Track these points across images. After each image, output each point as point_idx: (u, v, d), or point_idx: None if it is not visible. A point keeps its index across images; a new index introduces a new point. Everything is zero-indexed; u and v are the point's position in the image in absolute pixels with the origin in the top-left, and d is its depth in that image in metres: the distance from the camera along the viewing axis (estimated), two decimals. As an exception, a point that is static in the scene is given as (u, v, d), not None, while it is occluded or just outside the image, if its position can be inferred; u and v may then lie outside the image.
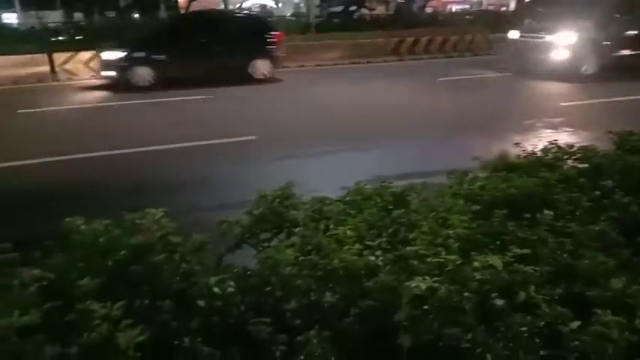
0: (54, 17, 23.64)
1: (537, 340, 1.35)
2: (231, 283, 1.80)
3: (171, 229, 2.04)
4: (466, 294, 1.40)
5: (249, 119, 8.47)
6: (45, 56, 12.73)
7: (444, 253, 1.74)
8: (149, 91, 10.84)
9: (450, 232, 1.93)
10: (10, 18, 26.61)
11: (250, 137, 7.19)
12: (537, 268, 1.62)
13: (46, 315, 1.48)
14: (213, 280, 1.75)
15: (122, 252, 1.87)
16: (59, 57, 12.90)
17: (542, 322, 1.41)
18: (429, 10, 29.45)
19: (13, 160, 6.21)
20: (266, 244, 2.25)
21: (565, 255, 1.82)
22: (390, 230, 2.14)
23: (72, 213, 2.08)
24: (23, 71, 12.47)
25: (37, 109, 9.34)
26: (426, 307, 1.38)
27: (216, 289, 1.68)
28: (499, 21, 19.47)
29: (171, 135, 7.34)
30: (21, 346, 1.32)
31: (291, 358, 1.36)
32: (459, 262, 1.59)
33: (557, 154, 2.99)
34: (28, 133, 7.70)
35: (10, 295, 1.55)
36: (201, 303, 1.64)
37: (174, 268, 1.84)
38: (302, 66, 15.09)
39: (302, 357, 1.30)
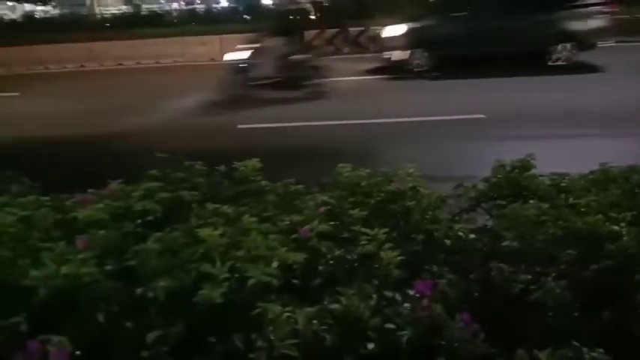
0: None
1: None
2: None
3: (420, 182, 2.39)
4: None
5: (479, 97, 8.45)
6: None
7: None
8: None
9: None
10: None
11: (479, 115, 7.26)
12: None
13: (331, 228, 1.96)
14: (457, 226, 2.05)
15: (381, 194, 2.29)
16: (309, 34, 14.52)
17: None
18: None
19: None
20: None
21: None
22: (635, 212, 2.14)
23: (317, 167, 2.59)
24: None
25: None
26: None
27: (460, 233, 1.97)
28: None
29: (409, 109, 7.85)
30: (318, 245, 1.81)
31: (527, 295, 1.58)
32: None
33: None
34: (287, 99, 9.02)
35: (306, 211, 2.08)
36: (447, 242, 1.96)
37: (422, 212, 2.19)
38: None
39: (539, 294, 1.51)
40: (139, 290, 1.41)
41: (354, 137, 6.89)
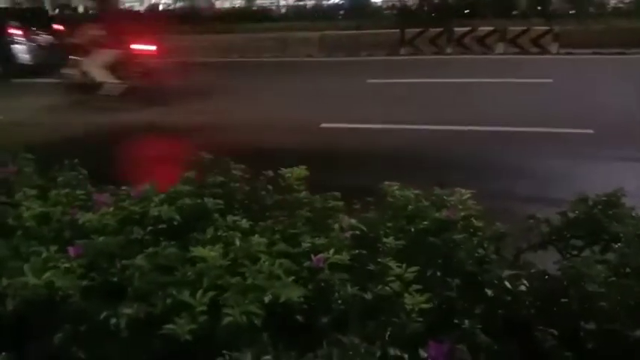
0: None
1: None
2: (525, 282, 1.72)
3: (476, 213, 2.05)
4: None
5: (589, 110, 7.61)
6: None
7: None
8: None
9: None
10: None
11: (587, 130, 6.51)
12: None
13: (353, 259, 1.71)
14: (506, 273, 1.70)
15: (425, 222, 1.99)
16: (410, 33, 14.09)
17: None
18: None
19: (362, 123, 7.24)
20: (575, 252, 2.05)
21: None
22: None
23: (393, 177, 2.30)
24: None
25: (383, 80, 10.51)
26: None
27: (507, 283, 1.63)
28: None
29: (505, 118, 7.29)
30: (331, 277, 1.58)
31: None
32: None
33: None
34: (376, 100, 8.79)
35: (331, 235, 1.85)
36: (489, 292, 1.63)
37: (471, 250, 1.86)
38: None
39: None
40: (103, 314, 1.27)
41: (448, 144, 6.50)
